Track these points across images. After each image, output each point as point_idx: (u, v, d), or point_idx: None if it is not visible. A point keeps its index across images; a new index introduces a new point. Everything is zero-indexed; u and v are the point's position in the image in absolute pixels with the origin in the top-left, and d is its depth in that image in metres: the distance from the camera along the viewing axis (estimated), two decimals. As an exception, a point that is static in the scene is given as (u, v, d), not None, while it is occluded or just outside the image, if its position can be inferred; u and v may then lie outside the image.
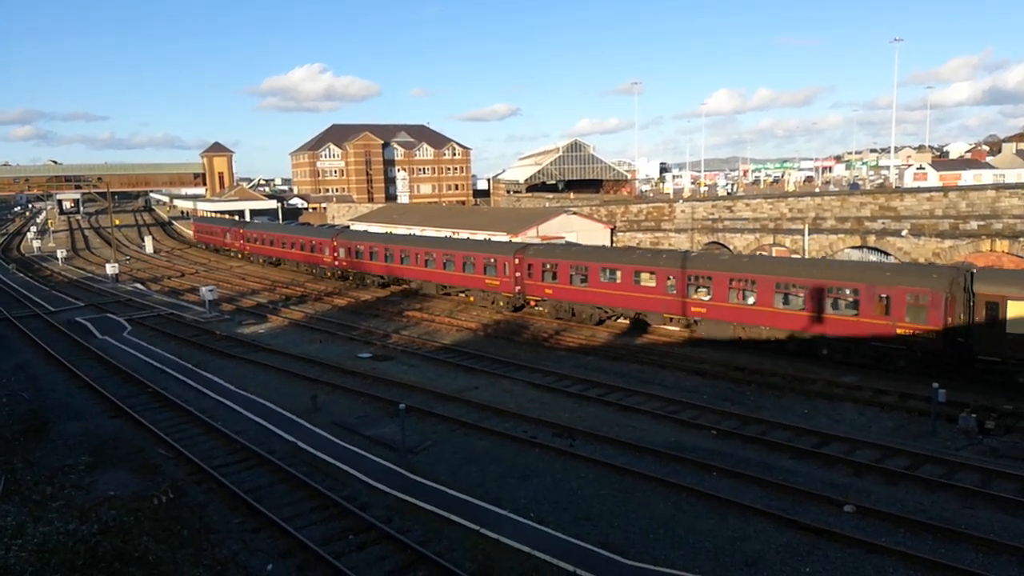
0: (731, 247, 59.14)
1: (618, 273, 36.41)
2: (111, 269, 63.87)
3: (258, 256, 73.68)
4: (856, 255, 51.33)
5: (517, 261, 40.76)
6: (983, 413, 23.06)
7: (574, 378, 29.04)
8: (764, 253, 55.09)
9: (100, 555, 10.05)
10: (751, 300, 31.79)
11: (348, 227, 76.66)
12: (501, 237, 55.64)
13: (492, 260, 42.43)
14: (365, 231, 64.07)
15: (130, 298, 53.26)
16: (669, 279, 34.14)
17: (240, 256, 77.58)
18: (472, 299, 45.34)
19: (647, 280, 35.42)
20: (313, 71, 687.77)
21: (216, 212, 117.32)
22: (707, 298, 32.89)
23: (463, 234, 60.85)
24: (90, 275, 69.48)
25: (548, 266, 39.49)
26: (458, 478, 19.63)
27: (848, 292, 29.00)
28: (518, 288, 41.06)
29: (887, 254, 50.10)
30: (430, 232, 64.07)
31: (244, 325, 42.99)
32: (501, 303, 42.32)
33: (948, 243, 47.38)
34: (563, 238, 54.89)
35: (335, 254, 57.61)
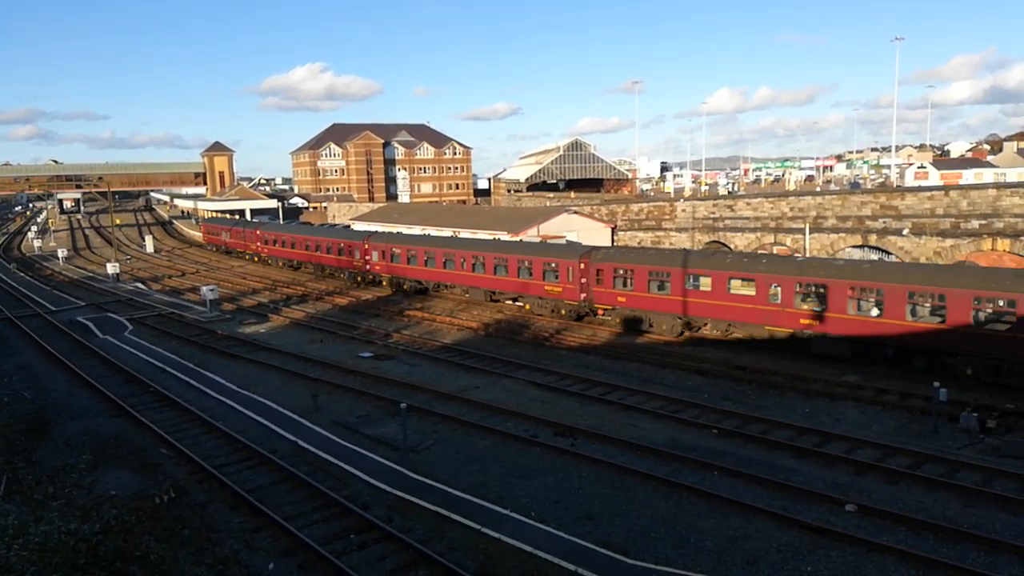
0: (732, 246, 59.11)
1: (706, 280, 32.74)
2: (112, 268, 63.89)
3: (277, 259, 69.62)
4: (857, 254, 51.28)
5: (583, 266, 37.66)
6: (984, 412, 23.03)
7: (575, 377, 29.03)
8: (767, 251, 54.97)
9: (102, 554, 10.04)
10: (875, 312, 28.06)
11: (380, 229, 72.67)
12: (503, 236, 55.63)
13: (553, 265, 39.20)
14: (399, 233, 59.88)
15: (131, 297, 53.28)
16: (773, 287, 30.67)
17: (256, 260, 73.67)
18: (528, 307, 42.23)
19: (743, 288, 31.78)
20: (314, 70, 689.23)
21: (219, 212, 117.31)
22: (820, 308, 29.29)
23: (463, 233, 60.84)
24: (91, 274, 69.51)
25: (621, 272, 36.09)
26: (459, 477, 19.63)
27: (1003, 303, 25.07)
28: (584, 295, 37.97)
29: (888, 253, 50.08)
30: (446, 232, 63.77)
31: (245, 324, 43.00)
32: (564, 311, 39.36)
33: (949, 242, 47.36)
34: (563, 237, 54.92)
35: (367, 257, 53.83)
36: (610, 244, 60.40)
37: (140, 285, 61.29)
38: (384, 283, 52.79)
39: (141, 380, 30.05)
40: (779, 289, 30.58)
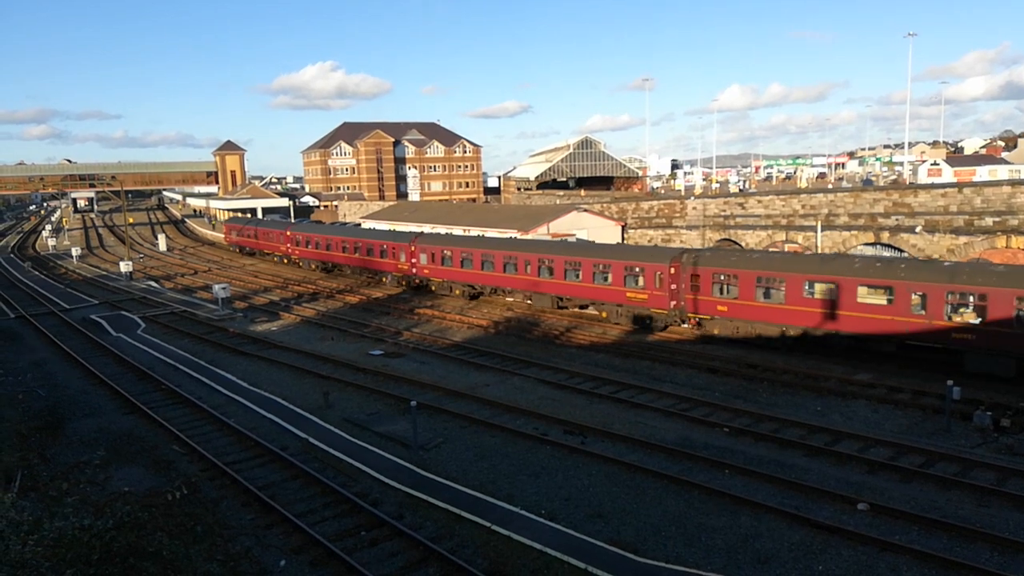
0: (743, 244, 58.83)
1: (829, 287, 29.30)
2: (125, 267, 64.38)
3: (309, 262, 65.92)
4: (870, 252, 50.93)
5: (673, 271, 34.21)
6: (999, 411, 22.84)
7: (585, 375, 28.99)
8: (776, 250, 54.68)
9: (115, 550, 10.11)
10: None
11: (427, 230, 68.39)
12: (512, 234, 55.58)
13: (637, 269, 35.68)
14: (449, 234, 56.12)
15: (144, 296, 53.65)
16: (915, 295, 27.36)
17: (286, 262, 70.26)
18: (604, 314, 38.62)
19: (872, 296, 28.35)
20: (325, 69, 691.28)
21: (232, 210, 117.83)
22: (977, 321, 25.97)
23: (474, 231, 60.83)
24: (104, 273, 70.05)
25: (722, 277, 32.58)
26: (469, 475, 19.67)
27: None
28: (675, 303, 34.53)
29: (900, 251, 49.70)
30: (457, 230, 63.55)
31: (257, 322, 43.21)
32: (648, 320, 35.92)
33: (963, 239, 46.94)
34: (573, 235, 54.79)
35: (414, 260, 50.16)
36: (620, 242, 60.18)
37: (153, 283, 61.71)
38: (433, 288, 49.39)
39: (154, 377, 30.28)
40: (923, 298, 27.21)
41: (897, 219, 53.88)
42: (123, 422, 25.16)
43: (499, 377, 29.54)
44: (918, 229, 49.46)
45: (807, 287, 30.03)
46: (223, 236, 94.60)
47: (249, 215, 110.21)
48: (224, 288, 47.04)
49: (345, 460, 20.77)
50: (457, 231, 62.41)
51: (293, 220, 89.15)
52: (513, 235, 55.10)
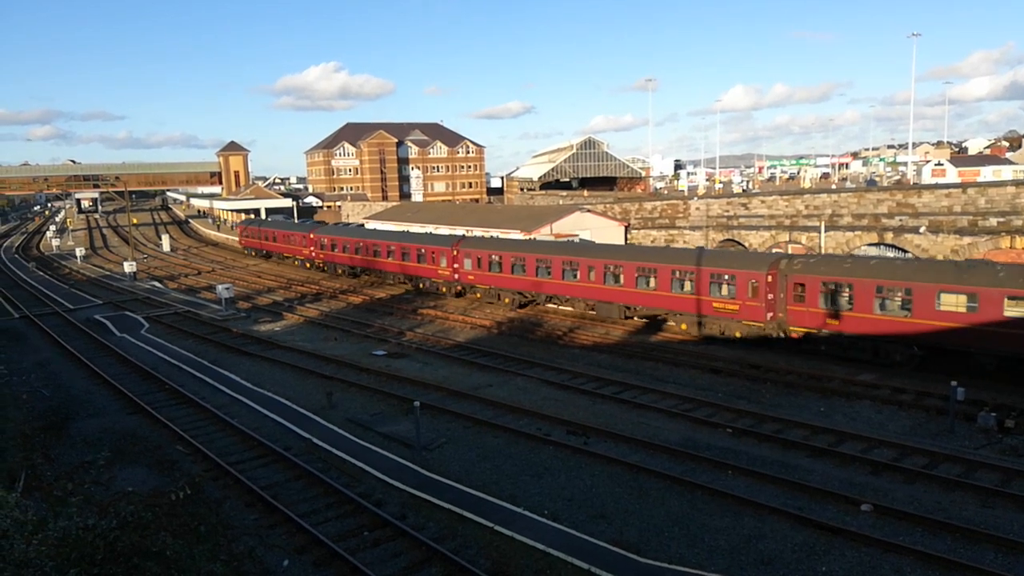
0: (746, 244, 58.77)
1: (967, 298, 25.91)
2: (129, 267, 64.54)
3: (335, 266, 61.97)
4: (873, 252, 50.84)
5: (771, 279, 31.10)
6: (1003, 412, 22.78)
7: (588, 376, 28.98)
8: (779, 251, 54.64)
9: (119, 550, 10.13)
10: None
11: (471, 233, 64.27)
12: (516, 235, 55.56)
13: (726, 276, 32.47)
14: (495, 238, 52.38)
15: (148, 296, 53.77)
16: None
17: (308, 266, 66.30)
18: (684, 326, 34.81)
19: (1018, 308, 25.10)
20: (328, 70, 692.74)
21: (237, 211, 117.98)
22: None
23: (476, 232, 60.79)
24: (108, 273, 70.20)
25: (832, 286, 29.27)
26: (472, 475, 19.68)
27: None
28: (771, 315, 31.24)
29: (904, 251, 49.61)
30: (459, 231, 63.36)
31: (260, 323, 43.27)
32: (738, 332, 32.38)
33: (967, 240, 46.82)
34: (577, 236, 54.77)
35: (456, 265, 46.74)
36: (624, 242, 60.11)
37: (157, 284, 61.84)
38: (479, 295, 46.02)
39: (157, 378, 30.34)
40: None
41: (901, 219, 53.79)
42: (127, 422, 25.21)
43: (502, 377, 29.55)
44: (922, 230, 49.36)
45: (939, 298, 26.66)
46: (237, 239, 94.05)
47: (253, 215, 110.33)
48: (227, 288, 47.13)
49: (348, 460, 20.79)
50: (460, 231, 62.38)
51: (315, 221, 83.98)
52: (516, 235, 55.07)
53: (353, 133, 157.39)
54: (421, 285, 50.64)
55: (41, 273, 71.95)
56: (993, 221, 48.73)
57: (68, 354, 35.74)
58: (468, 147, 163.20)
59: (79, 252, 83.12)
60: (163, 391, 28.76)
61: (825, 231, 53.45)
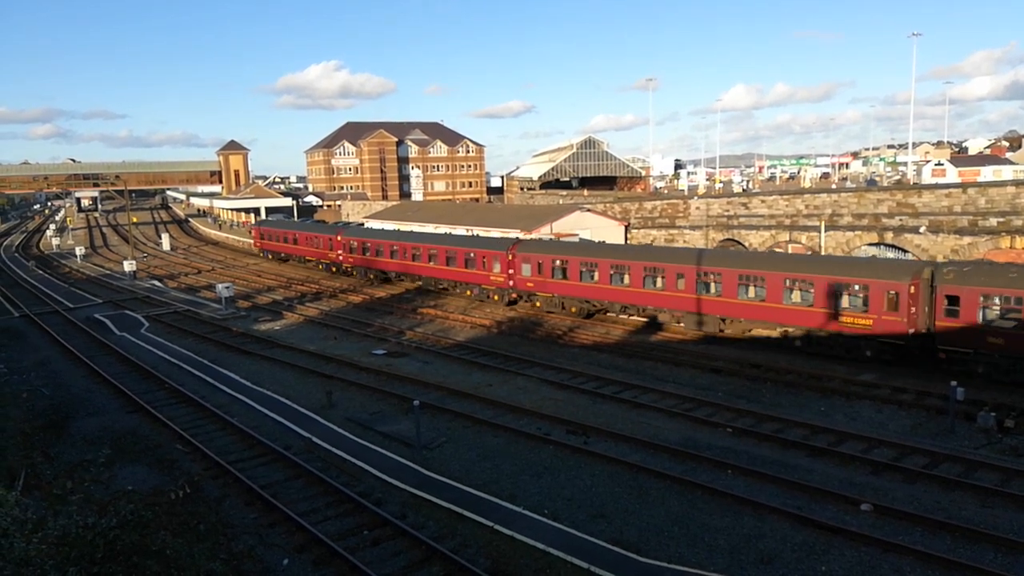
0: (746, 244, 58.77)
1: None
2: (129, 266, 64.54)
3: (366, 270, 57.53)
4: (873, 252, 50.85)
5: (913, 289, 27.37)
6: (1002, 411, 22.78)
7: (588, 375, 28.98)
8: (780, 250, 54.63)
9: (119, 548, 10.13)
10: None
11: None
12: (516, 234, 55.55)
13: (856, 287, 28.67)
14: (558, 240, 48.88)
15: (147, 295, 53.76)
16: None
17: (334, 270, 61.75)
18: (798, 342, 30.97)
19: None
20: (329, 68, 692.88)
21: (236, 209, 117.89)
22: None
23: (476, 231, 60.76)
24: (108, 272, 70.20)
25: (998, 300, 25.24)
26: (472, 475, 19.68)
27: None
28: (914, 330, 27.53)
29: (904, 251, 49.61)
30: (459, 230, 63.18)
31: (260, 322, 43.27)
32: (869, 351, 28.57)
33: (967, 240, 46.82)
34: (577, 235, 54.78)
35: (511, 271, 42.96)
36: (624, 242, 60.04)
37: (156, 283, 61.84)
38: (538, 303, 42.16)
39: (157, 377, 30.34)
40: None
41: (901, 219, 53.80)
42: (127, 421, 25.22)
43: (502, 377, 29.54)
44: (922, 229, 49.36)
45: None
46: (237, 238, 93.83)
47: (254, 214, 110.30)
48: (228, 287, 47.13)
49: (348, 459, 20.79)
50: (460, 231, 62.38)
51: (343, 223, 78.35)
52: (517, 235, 55.06)
53: (353, 132, 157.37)
54: (468, 292, 46.59)
55: (41, 272, 71.95)
56: (993, 221, 48.74)
57: (68, 353, 35.74)
58: (468, 146, 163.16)
59: (79, 251, 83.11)
60: (163, 390, 28.76)
61: (825, 231, 53.46)
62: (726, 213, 64.99)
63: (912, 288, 27.44)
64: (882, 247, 51.35)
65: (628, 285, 36.86)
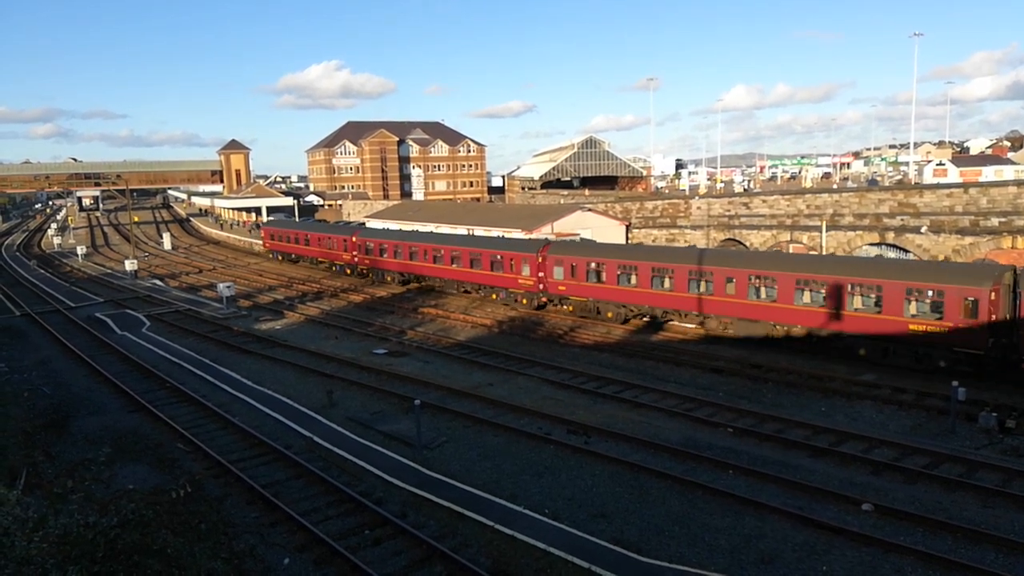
0: (748, 244, 58.75)
1: None
2: (130, 265, 64.59)
3: (383, 272, 55.46)
4: (874, 252, 50.82)
5: (994, 296, 25.36)
6: (1004, 412, 22.76)
7: (589, 375, 28.98)
8: (781, 250, 54.61)
9: (120, 547, 10.13)
10: None
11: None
12: (516, 234, 55.56)
13: (930, 293, 26.64)
14: (593, 242, 46.84)
15: (149, 294, 53.79)
16: None
17: (349, 272, 59.97)
18: (863, 351, 28.75)
19: None
20: (329, 68, 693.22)
21: (238, 208, 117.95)
22: None
23: (478, 231, 60.75)
24: (109, 271, 70.25)
25: None
26: (473, 474, 19.67)
27: None
28: (993, 340, 25.47)
29: (906, 251, 49.59)
30: (460, 229, 63.11)
31: (261, 321, 43.28)
32: (943, 361, 26.61)
33: (968, 240, 46.81)
34: (577, 235, 54.79)
35: (541, 274, 40.82)
36: (625, 241, 60.04)
37: (158, 282, 61.88)
38: (571, 308, 40.30)
39: (158, 376, 30.35)
40: None
41: (902, 219, 53.77)
42: (128, 420, 25.22)
43: (503, 376, 29.54)
44: (923, 229, 49.34)
45: None
46: (239, 237, 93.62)
47: (255, 214, 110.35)
48: (229, 287, 47.16)
49: (349, 459, 20.79)
50: (461, 230, 62.39)
51: (358, 223, 74.92)
52: (518, 235, 55.06)
53: (354, 132, 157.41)
54: (494, 296, 44.96)
55: (42, 271, 71.99)
56: (995, 221, 48.70)
57: (69, 352, 35.76)
58: (469, 146, 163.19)
59: (80, 250, 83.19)
60: (164, 389, 28.77)
61: (826, 231, 53.45)
62: (727, 213, 64.98)
63: (993, 294, 25.49)
64: (883, 247, 51.34)
65: (672, 290, 34.99)
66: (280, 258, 72.68)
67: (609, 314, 38.27)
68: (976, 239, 46.75)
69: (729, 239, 61.06)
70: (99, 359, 33.73)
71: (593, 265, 38.41)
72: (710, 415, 23.97)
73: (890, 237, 50.92)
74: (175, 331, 40.62)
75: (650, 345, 33.86)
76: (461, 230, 62.58)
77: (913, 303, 27.27)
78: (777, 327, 31.51)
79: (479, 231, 60.62)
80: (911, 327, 27.11)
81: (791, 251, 53.46)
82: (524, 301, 42.74)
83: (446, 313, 43.12)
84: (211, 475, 19.98)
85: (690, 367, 30.23)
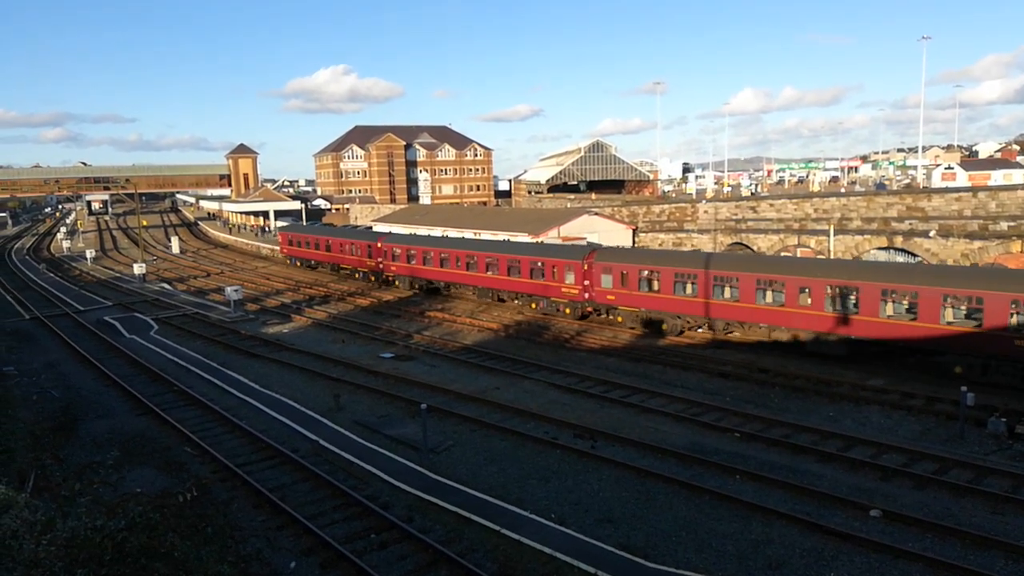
0: (755, 248, 58.60)
1: None
2: (138, 269, 64.89)
3: (412, 280, 52.99)
4: (882, 256, 50.60)
5: None
6: (1013, 417, 22.60)
7: (595, 379, 28.93)
8: (788, 254, 54.44)
9: (127, 550, 10.18)
10: None
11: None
12: (522, 238, 55.53)
13: None
14: (645, 248, 43.91)
15: (157, 298, 54.02)
16: None
17: (373, 279, 57.86)
18: (958, 369, 26.25)
19: None
20: (337, 73, 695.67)
21: (244, 212, 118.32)
22: None
23: (484, 235, 60.74)
24: (118, 275, 70.58)
25: None
26: (479, 478, 19.66)
27: None
28: None
29: (914, 255, 49.36)
30: (467, 233, 63.00)
31: (268, 325, 43.40)
32: None
33: (977, 244, 46.56)
34: (584, 239, 54.73)
35: (587, 282, 38.98)
36: (631, 245, 59.99)
37: (166, 285, 62.13)
38: (620, 319, 38.18)
39: (166, 379, 30.46)
40: None
41: (911, 223, 53.52)
42: (136, 423, 25.32)
43: (509, 380, 29.53)
44: (932, 233, 49.10)
45: None
46: (246, 241, 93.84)
47: (261, 218, 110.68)
48: (236, 290, 47.32)
49: (355, 463, 20.82)
50: (468, 234, 62.41)
51: (381, 231, 68.37)
52: (524, 239, 55.02)
53: (362, 136, 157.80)
54: (534, 305, 42.75)
55: (51, 275, 72.37)
56: (1004, 225, 48.42)
57: (78, 355, 35.94)
58: (476, 150, 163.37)
59: (89, 254, 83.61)
60: (172, 392, 28.87)
61: (834, 235, 53.24)
62: (734, 217, 64.83)
63: None
64: (891, 251, 51.10)
65: (737, 299, 32.53)
66: (299, 264, 70.61)
67: (664, 326, 35.94)
68: (985, 243, 46.49)
69: (736, 243, 60.92)
70: (107, 362, 33.88)
71: (646, 273, 36.25)
72: (717, 420, 23.89)
73: (898, 241, 50.69)
74: (183, 334, 40.77)
75: (657, 349, 33.78)
76: (468, 234, 62.56)
77: (1015, 316, 24.24)
78: (863, 343, 28.65)
79: (491, 235, 60.59)
80: (1016, 343, 24.18)
81: (799, 254, 53.27)
82: (567, 311, 40.64)
83: (452, 317, 43.15)
84: (218, 479, 20.06)
85: (697, 371, 30.13)
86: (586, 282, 39.17)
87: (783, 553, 15.37)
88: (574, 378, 29.31)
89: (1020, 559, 14.81)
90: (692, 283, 34.38)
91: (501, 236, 58.28)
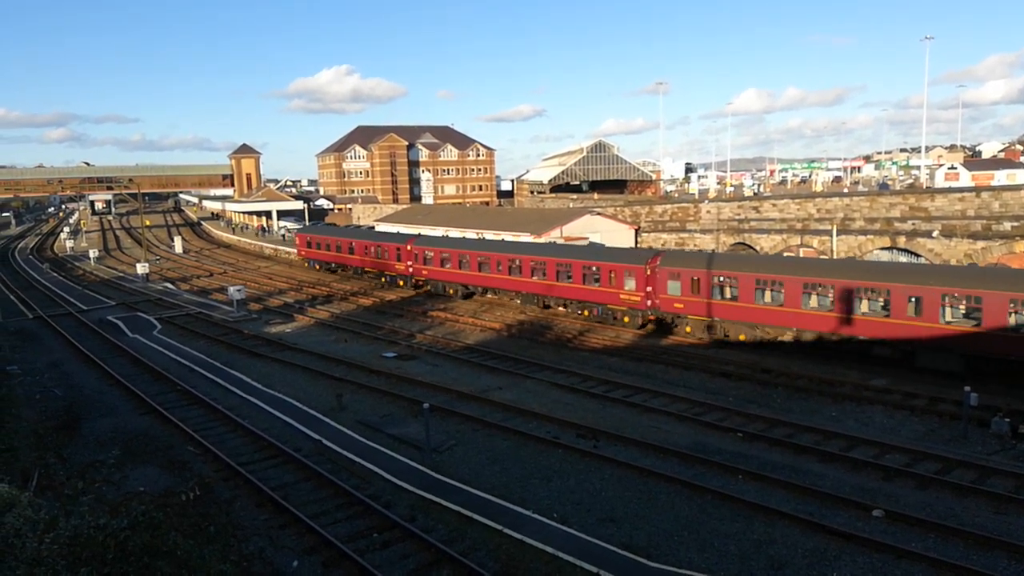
0: (757, 248, 58.53)
1: None
2: (142, 269, 65.01)
3: (445, 284, 50.10)
4: (885, 256, 50.52)
5: None
6: (1017, 417, 22.55)
7: (598, 379, 28.93)
8: (791, 254, 54.38)
9: (130, 549, 10.18)
10: None
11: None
12: (525, 238, 55.52)
13: None
14: (720, 253, 41.09)
15: (160, 297, 54.12)
16: None
17: (401, 283, 54.87)
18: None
19: None
20: (340, 73, 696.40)
21: (247, 212, 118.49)
22: None
23: (487, 235, 60.69)
24: (121, 275, 70.70)
25: None
26: (481, 478, 19.67)
27: None
28: None
29: (917, 255, 49.26)
30: (470, 233, 62.93)
31: (271, 324, 43.45)
32: None
33: (981, 244, 46.45)
34: (586, 239, 54.69)
35: (649, 288, 36.03)
36: (634, 246, 59.96)
37: (169, 285, 62.22)
38: (688, 328, 35.04)
39: (169, 378, 30.52)
40: None
41: (914, 223, 53.40)
42: (138, 422, 25.37)
43: (511, 380, 29.53)
44: (935, 234, 49.00)
45: None
46: (249, 242, 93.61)
47: (264, 217, 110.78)
48: (239, 290, 47.37)
49: (358, 462, 20.84)
50: (471, 234, 62.39)
51: (410, 234, 61.57)
52: (527, 238, 55.00)
53: (364, 136, 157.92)
54: (586, 312, 39.90)
55: (55, 274, 72.53)
56: (1007, 225, 48.28)
57: (81, 354, 36.01)
58: (478, 150, 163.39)
59: (92, 253, 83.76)
60: (175, 392, 28.92)
61: (837, 235, 53.16)
62: (737, 217, 64.74)
63: None
64: (894, 251, 51.02)
65: (828, 310, 29.74)
66: (317, 267, 67.48)
67: (742, 336, 32.85)
68: (988, 243, 46.38)
69: (739, 243, 60.85)
70: (110, 361, 33.95)
71: (723, 279, 33.34)
72: (719, 420, 23.87)
73: (901, 241, 50.60)
74: (186, 334, 40.84)
75: (659, 349, 33.76)
76: (471, 234, 62.54)
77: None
78: (978, 360, 26.09)
79: (487, 234, 60.60)
80: None
81: (801, 255, 53.21)
82: (626, 320, 37.40)
83: (455, 317, 43.16)
84: (221, 477, 20.09)
85: (699, 371, 30.11)
86: (649, 288, 36.00)
87: (785, 553, 15.36)
88: (577, 378, 29.31)
89: (1023, 559, 14.77)
90: (768, 291, 31.79)
91: (504, 236, 58.24)
